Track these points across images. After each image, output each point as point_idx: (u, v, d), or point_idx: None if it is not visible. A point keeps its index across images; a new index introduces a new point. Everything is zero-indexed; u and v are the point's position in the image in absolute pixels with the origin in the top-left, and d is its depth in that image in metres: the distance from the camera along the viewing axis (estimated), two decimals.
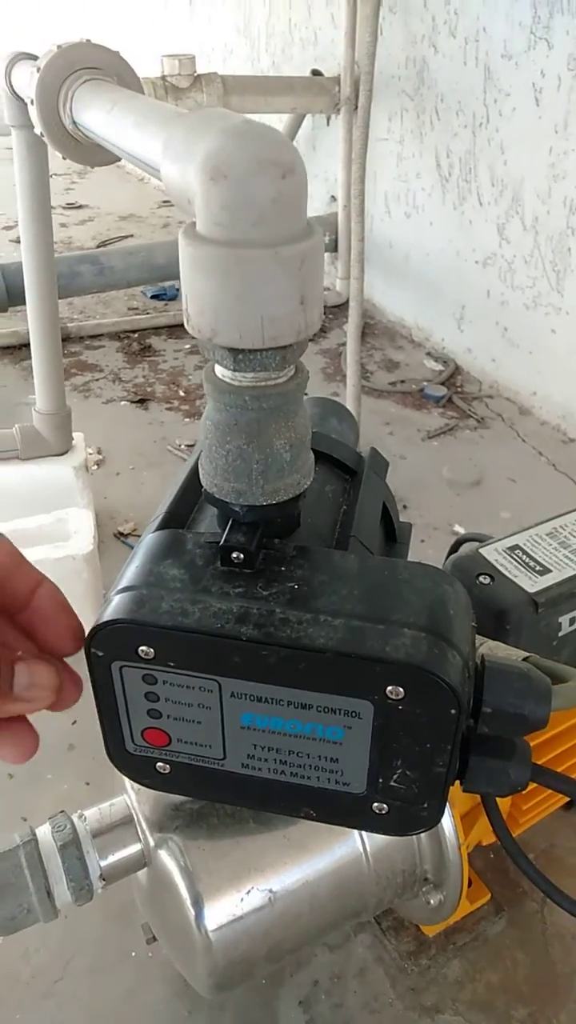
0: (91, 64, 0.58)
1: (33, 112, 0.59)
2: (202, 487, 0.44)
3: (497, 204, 1.58)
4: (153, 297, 2.12)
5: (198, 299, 0.36)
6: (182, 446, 1.52)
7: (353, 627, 0.39)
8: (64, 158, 0.60)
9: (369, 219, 1.95)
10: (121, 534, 1.27)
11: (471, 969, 0.71)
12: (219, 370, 0.39)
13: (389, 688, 0.38)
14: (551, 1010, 0.69)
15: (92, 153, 0.58)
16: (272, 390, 0.38)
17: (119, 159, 0.56)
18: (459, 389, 1.74)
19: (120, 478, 1.42)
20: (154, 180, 0.51)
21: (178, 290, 2.19)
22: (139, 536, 1.32)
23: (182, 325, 2.06)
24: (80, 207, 2.82)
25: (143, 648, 0.41)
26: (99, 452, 1.47)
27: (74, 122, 0.56)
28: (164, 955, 0.70)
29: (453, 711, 0.38)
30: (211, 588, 0.41)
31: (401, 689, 0.38)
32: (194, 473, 0.50)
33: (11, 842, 0.54)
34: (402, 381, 1.78)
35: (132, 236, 2.61)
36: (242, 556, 0.42)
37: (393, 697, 0.38)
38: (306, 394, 0.42)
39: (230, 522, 0.43)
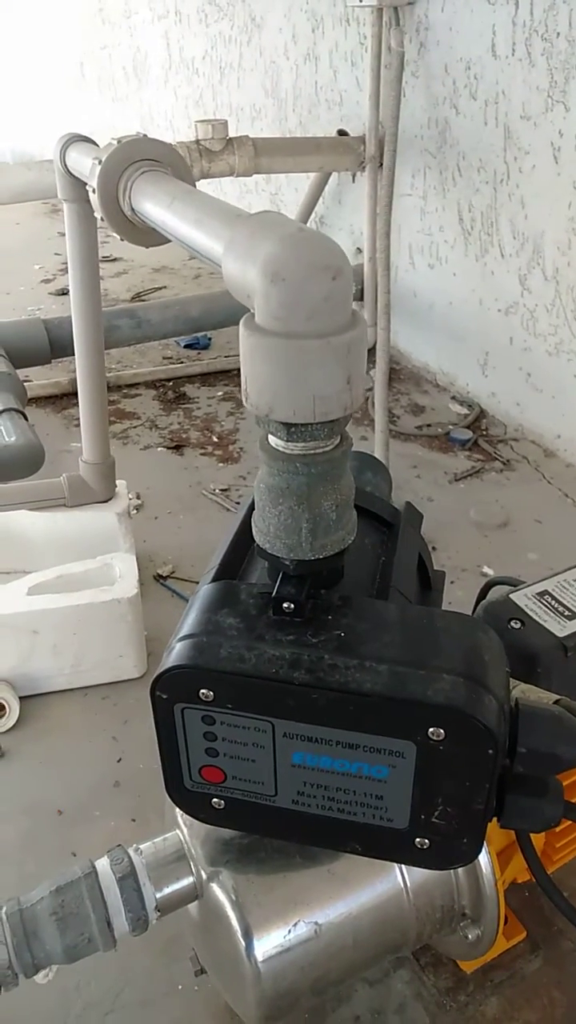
0: (148, 156, 0.64)
1: (94, 199, 0.65)
2: (254, 542, 0.48)
3: (518, 256, 1.64)
4: (187, 347, 2.20)
5: (257, 381, 0.40)
6: (216, 490, 1.57)
7: (396, 672, 0.43)
8: (121, 239, 0.66)
9: (394, 270, 2.02)
10: (160, 576, 1.31)
11: (509, 1007, 0.72)
12: (273, 440, 0.44)
13: (431, 730, 0.42)
14: None
15: (148, 236, 0.64)
16: (321, 457, 0.43)
17: (170, 241, 0.62)
18: (484, 432, 1.78)
19: (158, 522, 1.47)
20: None
21: (210, 339, 2.27)
22: (177, 578, 1.37)
23: (214, 373, 2.15)
24: (115, 260, 2.93)
25: (203, 691, 0.45)
26: (138, 497, 1.53)
27: (132, 209, 0.62)
28: (211, 988, 0.72)
29: (490, 751, 0.42)
30: (265, 636, 0.45)
31: (442, 730, 0.42)
32: (244, 527, 0.54)
33: (72, 874, 0.57)
34: (428, 425, 1.83)
35: (165, 288, 2.71)
36: (292, 606, 0.46)
37: (434, 738, 0.42)
38: None
39: (280, 575, 0.47)
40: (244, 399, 0.42)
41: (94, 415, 1.10)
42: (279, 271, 0.38)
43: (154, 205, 0.57)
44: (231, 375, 2.04)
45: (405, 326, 2.07)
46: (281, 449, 0.43)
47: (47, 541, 1.15)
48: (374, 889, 0.59)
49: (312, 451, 0.43)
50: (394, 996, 0.73)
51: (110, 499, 1.17)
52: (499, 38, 1.55)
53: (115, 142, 0.64)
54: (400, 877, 0.60)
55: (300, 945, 0.57)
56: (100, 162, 0.64)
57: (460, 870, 0.61)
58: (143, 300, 2.59)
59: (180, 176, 0.64)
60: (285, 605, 0.46)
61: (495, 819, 0.47)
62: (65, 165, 0.90)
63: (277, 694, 0.44)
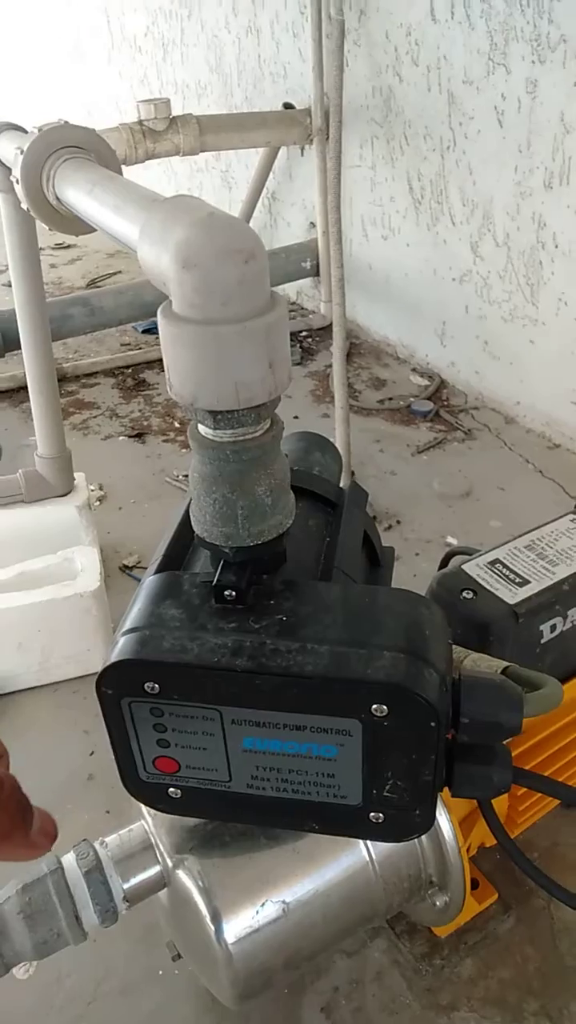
0: (70, 143, 0.62)
1: (19, 190, 0.64)
2: (194, 532, 0.48)
3: (469, 223, 1.63)
4: (145, 332, 2.17)
5: (179, 370, 0.40)
6: (180, 476, 1.56)
7: (337, 653, 0.43)
8: (49, 229, 0.65)
9: (348, 243, 2.00)
10: (126, 567, 1.31)
11: (483, 967, 0.74)
12: (202, 428, 0.43)
13: (374, 707, 0.42)
14: (562, 1001, 0.72)
15: (75, 225, 0.63)
16: (250, 443, 0.43)
17: (96, 228, 0.61)
18: (445, 403, 1.78)
19: (122, 512, 1.46)
20: None
21: None
22: (143, 567, 1.36)
23: None
24: (68, 247, 2.88)
25: (149, 684, 0.45)
26: (100, 488, 1.52)
27: (57, 198, 0.60)
28: (190, 972, 0.73)
29: (433, 724, 0.42)
30: (207, 625, 0.45)
31: (384, 707, 0.42)
32: (186, 518, 0.54)
33: (39, 871, 0.57)
34: (390, 398, 1.83)
35: (120, 272, 2.67)
36: (234, 593, 0.46)
37: (378, 715, 0.42)
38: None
39: (221, 563, 0.47)
40: (168, 388, 0.42)
41: (46, 408, 1.09)
42: (190, 257, 0.37)
43: (76, 192, 0.55)
44: None
45: (362, 300, 2.06)
46: (210, 437, 0.43)
47: (7, 538, 1.14)
48: (340, 864, 0.60)
49: (241, 438, 0.43)
50: (371, 965, 0.74)
51: (69, 492, 1.16)
52: (437, 2, 1.53)
53: (36, 130, 0.63)
54: (365, 851, 0.61)
55: (269, 925, 0.58)
56: (22, 151, 0.62)
57: (424, 839, 0.62)
58: (98, 286, 2.55)
59: (104, 162, 0.62)
60: (226, 593, 0.46)
61: (447, 789, 0.48)
62: None
63: (221, 682, 0.44)
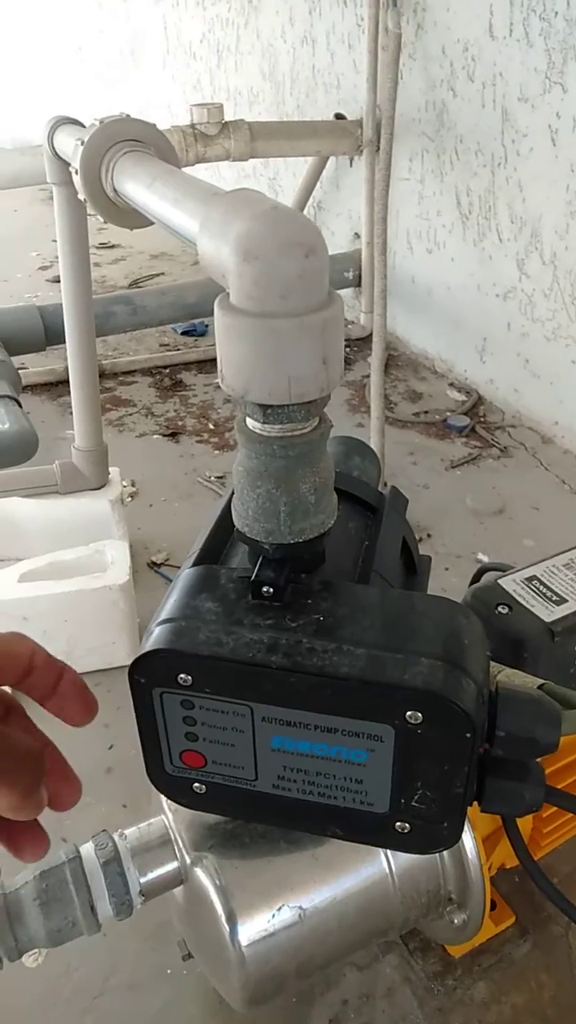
0: (130, 136, 0.63)
1: (77, 180, 0.64)
2: (234, 526, 0.48)
3: (516, 240, 1.62)
4: (183, 333, 2.19)
5: (232, 362, 0.40)
6: (212, 477, 1.57)
7: (374, 656, 0.42)
8: (104, 222, 0.66)
9: (392, 255, 2.00)
10: (154, 563, 1.31)
11: (497, 991, 0.73)
12: (250, 422, 0.43)
13: (408, 713, 0.42)
14: None
15: (131, 218, 0.63)
16: (298, 440, 0.42)
17: (153, 222, 0.61)
18: (482, 419, 1.77)
19: (153, 509, 1.47)
20: None
21: (207, 326, 2.25)
22: (171, 565, 1.36)
23: (211, 360, 2.14)
24: (113, 246, 2.91)
25: (182, 675, 0.45)
26: (133, 484, 1.53)
27: (115, 191, 0.61)
28: (199, 972, 0.72)
29: (468, 735, 0.41)
30: (243, 620, 0.45)
31: (419, 714, 0.41)
32: (226, 512, 0.54)
33: (57, 859, 0.57)
34: (426, 411, 1.82)
35: (163, 274, 2.70)
36: (271, 590, 0.46)
37: (412, 722, 0.42)
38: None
39: (260, 559, 0.47)
40: (220, 380, 0.42)
41: (86, 402, 1.10)
42: (251, 249, 0.37)
43: (135, 185, 0.56)
44: None
45: (403, 312, 2.06)
46: (258, 431, 0.43)
47: (39, 528, 1.15)
48: (359, 874, 0.59)
49: (289, 433, 0.42)
50: (382, 980, 0.73)
51: (103, 486, 1.17)
52: (496, 18, 1.53)
53: (98, 122, 0.63)
54: (385, 862, 0.60)
55: (284, 929, 0.57)
56: (82, 143, 0.63)
57: (446, 855, 0.61)
58: (140, 287, 2.58)
59: (164, 156, 0.63)
60: (264, 589, 0.46)
61: (477, 804, 0.47)
62: (53, 148, 0.89)
63: (255, 678, 0.43)
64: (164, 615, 0.47)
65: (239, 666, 0.43)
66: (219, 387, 1.82)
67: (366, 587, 0.49)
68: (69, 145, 0.74)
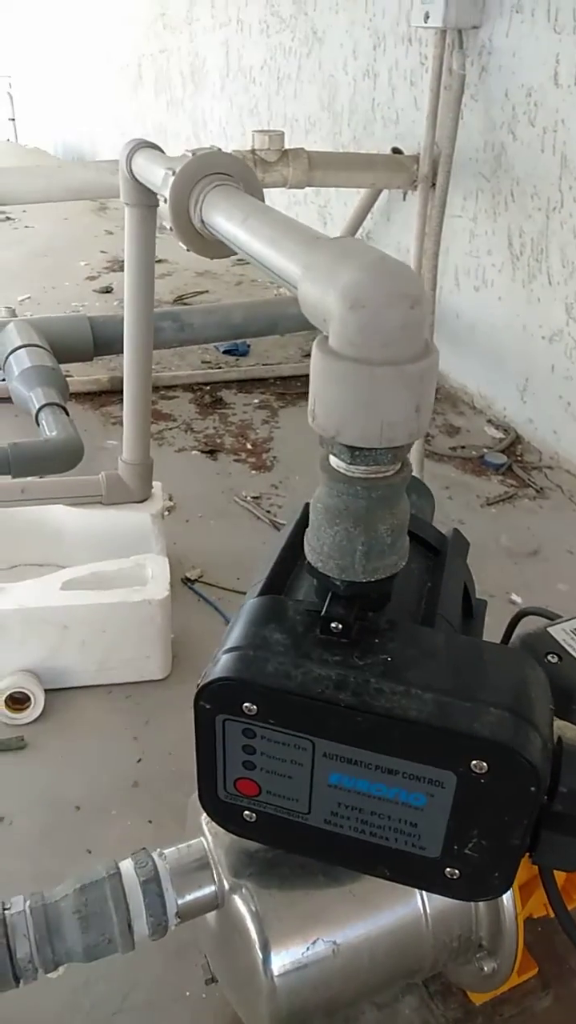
0: (220, 170, 0.65)
1: (165, 208, 0.66)
2: (300, 558, 0.49)
3: (567, 284, 1.63)
4: (226, 352, 2.21)
5: (326, 402, 0.41)
6: (248, 497, 1.58)
7: (442, 702, 0.43)
8: (187, 250, 0.67)
9: (438, 290, 2.01)
10: (188, 579, 1.32)
11: None
12: (334, 461, 0.44)
13: (474, 762, 0.42)
14: None
15: (215, 248, 0.65)
16: (382, 482, 0.43)
17: (236, 254, 0.63)
18: (519, 458, 1.77)
19: (189, 525, 1.48)
20: None
21: (249, 346, 2.28)
22: (205, 582, 1.37)
23: (252, 380, 2.16)
24: (160, 261, 2.96)
25: (247, 704, 0.45)
26: (171, 499, 1.54)
27: (203, 222, 0.62)
28: (219, 997, 0.72)
29: (533, 788, 0.42)
30: (311, 654, 0.46)
31: (485, 764, 0.42)
32: (291, 543, 0.55)
33: (96, 873, 0.58)
34: (463, 447, 1.82)
35: (207, 291, 2.74)
36: (341, 626, 0.46)
37: (476, 771, 0.42)
38: None
39: (330, 594, 0.47)
40: (311, 419, 0.43)
41: (137, 416, 1.12)
42: (360, 298, 0.38)
43: (226, 220, 0.57)
44: (268, 383, 2.05)
45: (446, 346, 2.07)
46: (343, 471, 0.44)
47: (81, 537, 1.16)
48: (394, 913, 0.59)
49: (374, 475, 0.43)
50: (401, 1022, 0.73)
51: (146, 500, 1.18)
52: (563, 67, 1.55)
53: (190, 154, 0.65)
54: (420, 903, 0.60)
55: (317, 963, 0.57)
56: (174, 172, 0.65)
57: (480, 901, 0.61)
58: (185, 303, 2.61)
59: (251, 191, 0.64)
60: (333, 625, 0.46)
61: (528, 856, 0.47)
62: (131, 170, 0.91)
63: (321, 714, 0.44)
64: (232, 643, 0.47)
65: (306, 700, 0.44)
66: (258, 407, 1.84)
67: (432, 630, 0.49)
68: (152, 171, 0.76)
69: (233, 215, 0.56)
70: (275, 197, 2.80)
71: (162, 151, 0.90)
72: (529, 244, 1.72)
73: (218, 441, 1.79)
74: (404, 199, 2.13)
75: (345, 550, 0.45)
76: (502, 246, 1.80)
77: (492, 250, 1.84)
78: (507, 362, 1.86)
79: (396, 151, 2.05)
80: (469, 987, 0.71)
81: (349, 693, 0.44)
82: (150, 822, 0.90)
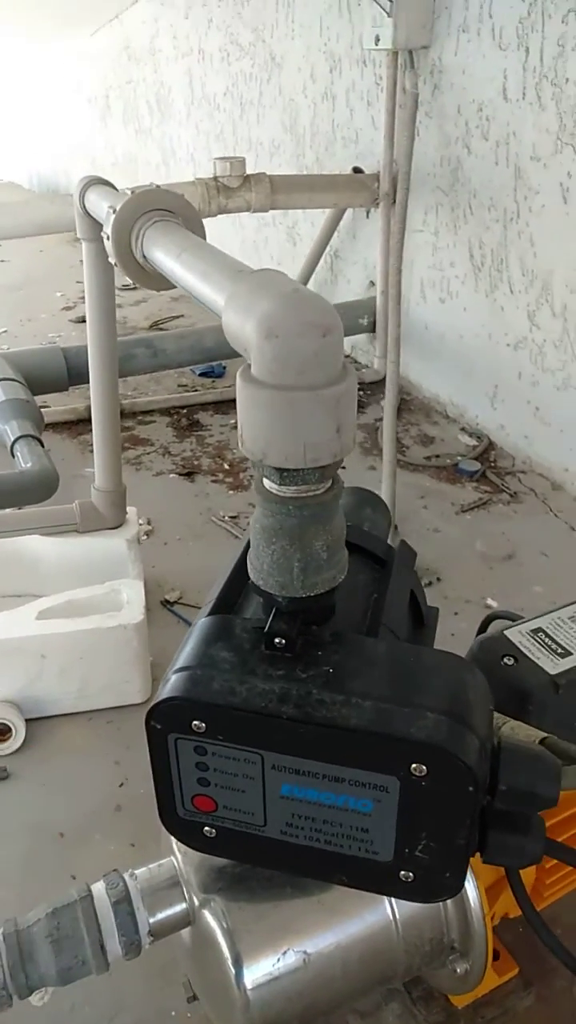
0: (160, 206, 0.67)
1: (109, 246, 0.68)
2: (249, 577, 0.50)
3: (527, 292, 1.66)
4: (201, 375, 2.24)
5: (252, 428, 0.43)
6: (226, 517, 1.59)
7: (381, 708, 0.44)
8: (133, 283, 0.69)
9: (406, 303, 2.05)
10: (168, 602, 1.33)
11: None
12: (267, 483, 0.46)
13: (413, 765, 0.43)
14: None
15: (158, 282, 0.67)
16: (312, 500, 0.45)
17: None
18: (492, 464, 1.80)
19: (168, 548, 1.50)
20: None
21: (224, 368, 2.31)
22: (185, 604, 1.38)
23: (228, 401, 2.18)
24: (135, 288, 3.00)
25: (196, 722, 0.47)
26: (149, 523, 1.56)
27: (144, 256, 0.65)
28: (203, 1015, 0.73)
29: (471, 788, 0.43)
30: (256, 670, 0.47)
31: (424, 767, 0.43)
32: (241, 562, 0.56)
33: (68, 897, 0.59)
34: (437, 455, 1.85)
35: (182, 316, 2.77)
36: (284, 641, 0.48)
37: (417, 774, 0.44)
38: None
39: (273, 611, 0.49)
40: (240, 444, 0.44)
41: (107, 444, 1.13)
42: (273, 328, 0.40)
43: (164, 255, 0.60)
44: None
45: (416, 358, 2.10)
46: (275, 492, 0.45)
47: (58, 566, 1.17)
48: (363, 920, 0.60)
49: (304, 494, 0.45)
50: None
51: (120, 526, 1.20)
52: (510, 82, 1.59)
53: (129, 192, 0.67)
54: (389, 909, 0.61)
55: (289, 974, 0.58)
56: (115, 211, 0.67)
57: (449, 904, 0.62)
58: (161, 328, 2.64)
59: (191, 227, 0.67)
60: (277, 640, 0.48)
61: (479, 854, 0.48)
62: (84, 206, 0.94)
63: (266, 727, 0.45)
64: (181, 663, 0.49)
65: (251, 715, 0.45)
66: (235, 428, 1.87)
67: (375, 640, 0.51)
68: (101, 208, 0.78)
69: (170, 250, 0.58)
70: (244, 220, 2.84)
71: (114, 187, 0.92)
72: (489, 255, 1.75)
73: (195, 463, 1.81)
74: (368, 216, 2.17)
75: (283, 567, 0.47)
76: (464, 258, 1.84)
77: (455, 262, 1.87)
78: (476, 371, 1.89)
79: (357, 170, 2.09)
80: (447, 990, 0.72)
81: (291, 705, 0.45)
82: (133, 845, 0.91)
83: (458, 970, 0.64)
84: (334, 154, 2.26)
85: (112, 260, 0.68)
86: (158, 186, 0.69)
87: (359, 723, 0.44)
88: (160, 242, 0.61)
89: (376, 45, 1.80)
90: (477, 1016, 0.74)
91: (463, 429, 1.95)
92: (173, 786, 0.50)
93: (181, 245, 0.57)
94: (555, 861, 0.66)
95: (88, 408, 1.99)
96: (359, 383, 2.05)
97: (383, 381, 2.02)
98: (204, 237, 0.64)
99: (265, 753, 0.46)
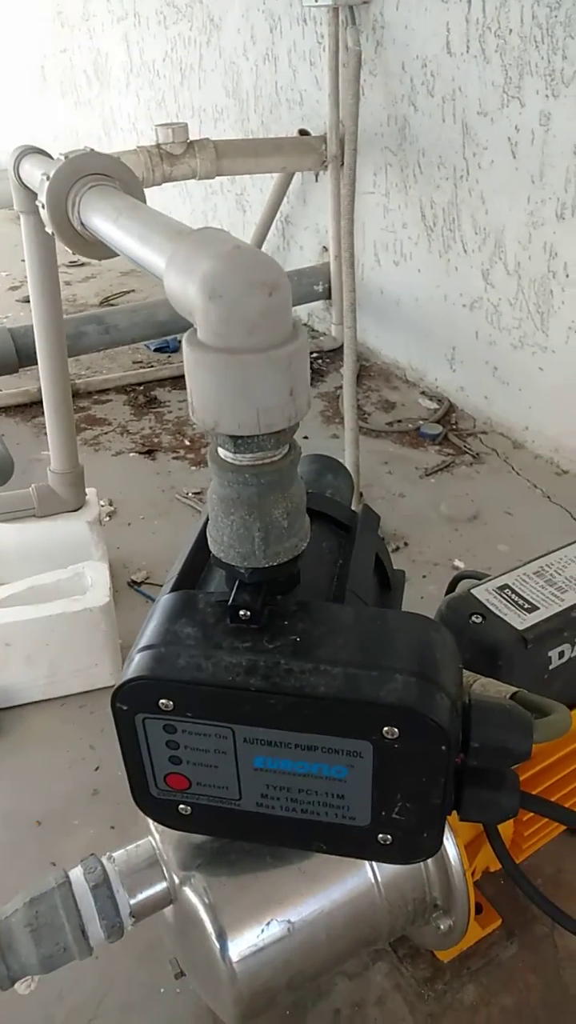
0: (95, 170, 0.64)
1: (44, 214, 0.65)
2: (210, 552, 0.49)
3: (481, 251, 1.65)
4: (156, 350, 2.20)
5: (202, 395, 0.41)
6: (189, 494, 1.57)
7: (350, 674, 0.44)
8: (73, 253, 0.67)
9: (360, 268, 2.03)
10: (135, 582, 1.31)
11: (485, 993, 0.74)
12: (222, 452, 0.45)
13: (385, 729, 0.43)
14: None
15: (98, 250, 0.64)
16: (269, 467, 0.44)
17: (118, 254, 0.62)
18: (454, 426, 1.80)
19: (132, 528, 1.47)
20: None
21: (179, 342, 2.27)
22: (152, 583, 1.36)
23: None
24: (82, 264, 2.92)
25: (163, 701, 0.46)
26: (111, 504, 1.53)
27: (82, 224, 0.62)
28: (192, 990, 0.73)
29: (443, 747, 0.43)
30: (222, 644, 0.46)
31: (396, 729, 0.43)
32: (202, 537, 0.55)
33: (46, 885, 0.58)
34: (399, 421, 1.84)
35: (134, 291, 2.71)
36: (248, 613, 0.47)
37: (389, 737, 0.43)
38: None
39: (236, 583, 0.48)
40: (190, 413, 0.43)
41: (60, 425, 1.10)
42: (216, 288, 0.38)
43: (102, 220, 0.57)
44: None
45: (373, 323, 2.09)
46: (230, 460, 0.44)
47: (18, 552, 1.15)
48: (345, 885, 0.61)
49: (260, 461, 0.44)
50: (373, 988, 0.74)
51: (80, 508, 1.17)
52: (453, 36, 1.56)
53: (63, 157, 0.65)
54: (371, 873, 0.61)
55: (274, 944, 0.58)
56: (48, 177, 0.64)
57: (430, 863, 0.63)
58: (112, 304, 2.58)
59: (129, 190, 0.64)
60: (241, 612, 0.47)
61: (456, 812, 0.48)
62: (19, 177, 0.90)
63: (235, 701, 0.45)
64: (144, 642, 0.48)
65: (219, 690, 0.44)
66: None
67: (341, 606, 0.50)
68: (35, 177, 0.75)
69: (107, 214, 0.56)
70: (190, 188, 2.78)
71: (49, 155, 0.88)
72: (441, 214, 1.74)
73: (155, 441, 1.78)
74: (317, 180, 2.13)
75: (243, 538, 0.46)
76: (416, 219, 1.82)
77: (407, 223, 1.85)
78: (433, 333, 1.89)
79: (303, 133, 2.04)
80: (432, 946, 0.73)
81: (259, 677, 0.44)
82: (113, 828, 0.90)
83: (442, 927, 0.64)
84: (279, 117, 2.21)
85: (49, 229, 0.65)
86: (92, 149, 0.66)
87: (328, 690, 0.43)
88: (97, 207, 0.59)
89: (316, 1, 1.75)
90: (463, 968, 0.75)
91: (423, 393, 1.95)
92: (144, 766, 0.49)
93: (118, 208, 0.55)
94: (532, 814, 0.67)
95: (41, 390, 1.96)
96: (317, 351, 2.03)
97: (341, 348, 2.00)
98: (144, 201, 0.61)
99: (236, 727, 0.46)
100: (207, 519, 0.56)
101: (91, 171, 0.64)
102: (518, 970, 0.76)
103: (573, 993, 0.74)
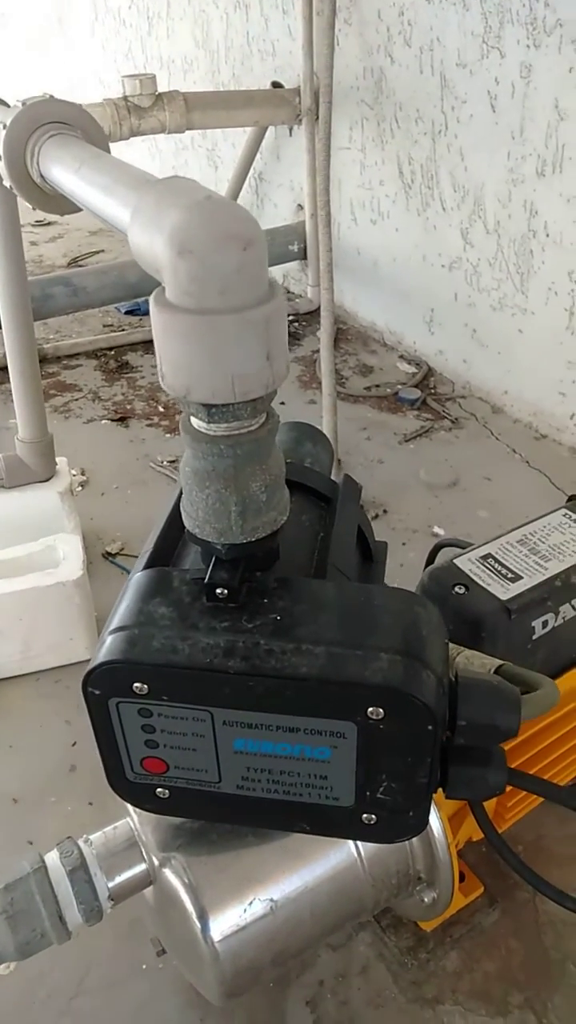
0: (56, 119, 0.60)
1: (2, 167, 0.61)
2: (184, 527, 0.47)
3: (460, 209, 1.61)
4: (128, 312, 2.14)
5: (172, 361, 0.38)
6: (164, 462, 1.54)
7: (333, 654, 0.42)
8: (33, 208, 0.63)
9: (336, 227, 1.98)
10: (109, 554, 1.29)
11: (468, 960, 0.74)
12: (195, 421, 0.42)
13: (370, 709, 0.41)
14: (546, 994, 0.72)
15: (60, 204, 0.60)
16: (245, 438, 0.41)
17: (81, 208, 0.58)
18: (433, 391, 1.77)
19: (105, 498, 1.44)
20: None
21: None
22: (127, 555, 1.34)
23: None
24: (49, 224, 2.82)
25: (137, 685, 0.44)
26: (83, 473, 1.49)
27: (42, 176, 0.58)
28: (174, 966, 0.72)
29: (430, 727, 0.41)
30: (199, 624, 0.44)
31: (381, 710, 0.41)
32: (175, 512, 0.52)
33: (21, 870, 0.56)
34: (377, 385, 1.81)
35: (103, 251, 2.63)
36: (226, 592, 0.45)
37: (374, 717, 0.41)
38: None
39: (213, 560, 0.45)
40: (160, 379, 0.40)
41: (27, 391, 1.06)
42: (186, 242, 0.35)
43: (62, 170, 0.53)
44: None
45: (350, 284, 2.04)
46: (204, 431, 0.41)
47: None
48: (328, 861, 0.60)
49: (236, 431, 0.41)
50: (357, 959, 0.74)
51: (51, 478, 1.14)
52: None
53: (20, 104, 0.60)
54: (354, 848, 0.60)
55: (256, 922, 0.57)
56: (5, 126, 0.59)
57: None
58: (80, 265, 2.50)
59: (92, 140, 0.60)
60: (219, 591, 0.44)
61: (441, 790, 0.47)
62: None
63: (213, 683, 0.43)
64: (116, 623, 0.45)
65: (196, 672, 0.42)
66: None
67: (322, 582, 0.48)
68: None
69: (68, 164, 0.52)
70: (160, 144, 2.69)
71: (6, 103, 0.83)
72: (419, 171, 1.69)
73: (128, 407, 1.74)
74: (291, 135, 2.06)
75: (219, 512, 0.43)
76: (393, 175, 1.77)
77: (384, 180, 1.80)
78: (412, 295, 1.85)
79: (276, 85, 1.97)
80: (416, 918, 0.73)
81: (239, 659, 0.42)
82: (91, 804, 0.89)
83: (426, 899, 0.64)
84: (251, 69, 2.13)
85: (7, 183, 0.61)
86: (52, 96, 0.62)
87: (311, 671, 0.41)
88: (57, 157, 0.55)
89: None
90: (446, 936, 0.75)
91: (402, 356, 1.92)
92: (119, 750, 0.47)
93: (80, 158, 0.51)
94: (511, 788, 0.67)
95: (5, 356, 1.90)
96: (293, 314, 1.98)
97: (318, 311, 1.96)
98: (108, 151, 0.57)
99: (214, 710, 0.44)
100: (180, 492, 0.53)
101: (51, 119, 0.60)
102: (500, 936, 0.76)
103: (554, 957, 0.75)
